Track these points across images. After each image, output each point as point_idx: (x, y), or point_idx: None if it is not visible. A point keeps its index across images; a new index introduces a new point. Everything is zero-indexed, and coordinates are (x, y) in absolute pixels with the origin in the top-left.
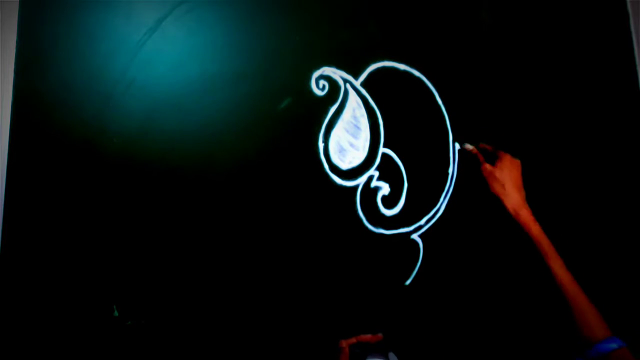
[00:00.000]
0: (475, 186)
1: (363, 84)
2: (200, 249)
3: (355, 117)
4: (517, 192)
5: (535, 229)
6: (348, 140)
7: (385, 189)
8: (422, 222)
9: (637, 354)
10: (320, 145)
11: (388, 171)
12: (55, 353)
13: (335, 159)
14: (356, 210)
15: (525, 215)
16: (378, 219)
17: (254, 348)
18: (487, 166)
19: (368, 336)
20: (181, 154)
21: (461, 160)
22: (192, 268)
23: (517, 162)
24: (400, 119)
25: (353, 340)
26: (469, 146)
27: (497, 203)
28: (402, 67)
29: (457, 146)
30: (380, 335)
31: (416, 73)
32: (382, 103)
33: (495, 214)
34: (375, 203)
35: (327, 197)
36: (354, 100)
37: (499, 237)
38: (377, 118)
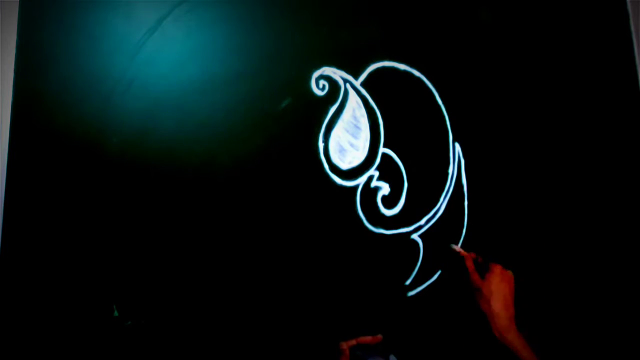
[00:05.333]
0: (475, 186)
1: (363, 84)
2: (200, 249)
3: (355, 117)
4: (505, 312)
5: (525, 354)
6: (348, 140)
7: (385, 189)
8: (422, 222)
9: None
10: (320, 145)
11: (388, 171)
12: (55, 353)
13: (335, 159)
14: (356, 210)
15: (512, 339)
16: (378, 219)
17: (254, 349)
18: (476, 278)
19: (368, 338)
20: (181, 153)
21: (461, 160)
22: (192, 268)
23: (509, 274)
24: (400, 119)
25: (353, 342)
26: (456, 247)
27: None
28: (402, 67)
29: (458, 147)
30: (380, 336)
31: (416, 73)
32: (382, 103)
33: (495, 214)
34: (375, 203)
35: (327, 197)
36: (354, 100)
37: (499, 236)
38: (377, 118)
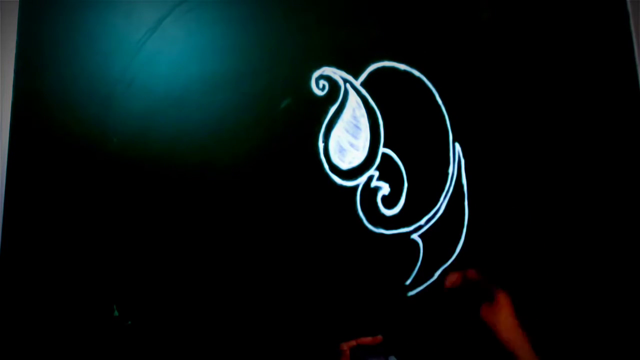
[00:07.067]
0: (475, 186)
1: (363, 84)
2: (200, 250)
3: (355, 117)
4: (520, 338)
5: None
6: (348, 140)
7: (385, 189)
8: (422, 222)
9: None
10: (320, 145)
11: (388, 171)
12: (55, 353)
13: (335, 159)
14: (356, 210)
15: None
16: (378, 219)
17: (254, 350)
18: (484, 314)
19: (368, 339)
20: (181, 153)
21: (461, 160)
22: (192, 268)
23: (506, 297)
24: (400, 119)
25: (353, 343)
26: (452, 277)
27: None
28: (402, 67)
29: (458, 147)
30: (380, 337)
31: (416, 73)
32: (382, 103)
33: (495, 214)
34: (375, 203)
35: (327, 197)
36: (354, 100)
37: (499, 236)
38: (377, 118)
